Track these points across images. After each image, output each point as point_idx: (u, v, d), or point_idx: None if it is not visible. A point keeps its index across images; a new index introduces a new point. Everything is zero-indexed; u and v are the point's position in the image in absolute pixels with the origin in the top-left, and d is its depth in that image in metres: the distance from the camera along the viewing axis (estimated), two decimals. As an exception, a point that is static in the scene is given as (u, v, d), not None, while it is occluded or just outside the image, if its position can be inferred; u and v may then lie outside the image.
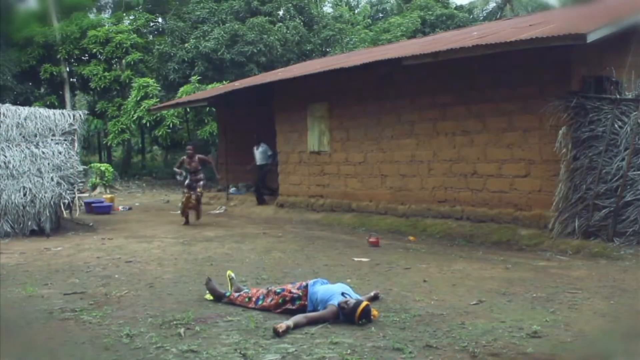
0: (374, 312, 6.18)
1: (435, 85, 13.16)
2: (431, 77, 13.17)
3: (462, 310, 6.58)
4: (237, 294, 7.02)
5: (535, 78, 11.39)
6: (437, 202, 13.21)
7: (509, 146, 11.90)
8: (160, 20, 37.09)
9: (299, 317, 6.08)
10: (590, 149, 10.52)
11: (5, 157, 13.98)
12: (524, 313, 6.42)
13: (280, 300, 6.56)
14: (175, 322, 6.19)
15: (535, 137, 11.47)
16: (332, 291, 6.40)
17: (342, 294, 6.32)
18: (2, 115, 14.83)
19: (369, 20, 38.20)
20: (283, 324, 5.83)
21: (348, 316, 6.06)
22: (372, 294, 7.04)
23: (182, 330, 5.91)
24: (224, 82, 25.65)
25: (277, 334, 5.69)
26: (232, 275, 7.50)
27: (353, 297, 6.34)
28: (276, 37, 28.89)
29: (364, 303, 6.11)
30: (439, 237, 12.29)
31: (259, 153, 18.61)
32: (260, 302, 6.71)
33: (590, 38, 9.70)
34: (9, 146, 14.27)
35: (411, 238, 12.28)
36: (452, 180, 12.95)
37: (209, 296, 7.26)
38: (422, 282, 8.11)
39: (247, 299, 6.86)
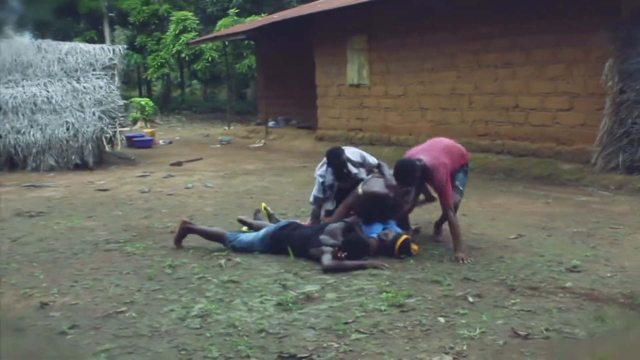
0: (414, 246, 6.16)
1: (478, 16, 12.81)
2: (474, 8, 12.83)
3: (501, 244, 6.59)
4: None
5: (583, 8, 11.00)
6: (478, 136, 13.07)
7: (552, 79, 11.62)
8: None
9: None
10: (638, 81, 10.22)
11: (48, 92, 14.19)
12: (564, 248, 6.39)
13: None
14: (216, 254, 6.31)
15: (581, 69, 11.17)
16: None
17: (383, 228, 6.33)
18: (43, 51, 15.02)
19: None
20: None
21: (387, 249, 6.08)
22: (412, 227, 7.04)
23: (223, 262, 6.03)
24: (263, 14, 25.40)
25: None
26: (267, 207, 7.58)
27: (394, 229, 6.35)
28: (315, -33, 28.35)
29: (404, 236, 6.11)
30: (479, 171, 12.16)
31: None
32: None
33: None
34: (51, 81, 14.48)
35: (450, 172, 12.19)
36: (493, 114, 12.76)
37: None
38: (462, 216, 8.09)
39: None
